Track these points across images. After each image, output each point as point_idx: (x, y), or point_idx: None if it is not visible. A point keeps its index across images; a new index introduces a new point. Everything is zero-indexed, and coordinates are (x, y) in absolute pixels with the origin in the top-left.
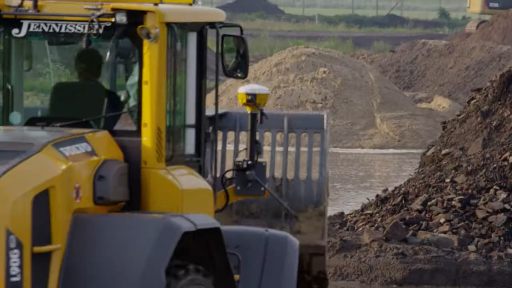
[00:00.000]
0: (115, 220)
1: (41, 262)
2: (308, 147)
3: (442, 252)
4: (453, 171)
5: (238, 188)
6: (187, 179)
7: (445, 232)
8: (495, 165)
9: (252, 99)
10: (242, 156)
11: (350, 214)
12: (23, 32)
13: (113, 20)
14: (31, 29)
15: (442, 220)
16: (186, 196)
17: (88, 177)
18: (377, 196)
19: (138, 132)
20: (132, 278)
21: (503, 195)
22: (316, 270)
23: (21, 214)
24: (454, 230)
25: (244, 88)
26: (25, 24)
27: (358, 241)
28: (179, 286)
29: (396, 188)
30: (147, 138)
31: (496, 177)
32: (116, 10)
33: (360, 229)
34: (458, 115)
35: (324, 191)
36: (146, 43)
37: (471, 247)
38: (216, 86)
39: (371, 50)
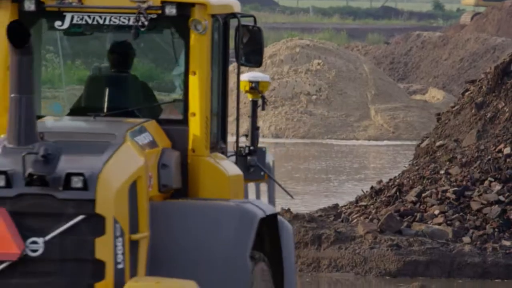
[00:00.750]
0: (194, 207)
1: (134, 249)
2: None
3: (436, 244)
4: (447, 162)
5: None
6: (228, 165)
7: (439, 224)
8: (489, 157)
9: (255, 87)
10: (244, 142)
11: (345, 205)
12: (66, 24)
13: (160, 12)
14: (74, 21)
15: (436, 212)
16: (231, 182)
17: (154, 165)
18: (372, 187)
19: (184, 121)
20: (218, 262)
21: (497, 186)
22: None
23: (122, 203)
24: (448, 222)
25: (246, 76)
26: (68, 16)
27: (353, 233)
28: (255, 272)
29: (390, 179)
30: (196, 127)
31: (490, 169)
32: (165, 3)
33: (355, 220)
34: (453, 107)
35: None
36: (194, 35)
37: (466, 239)
38: (238, 74)
39: (366, 42)
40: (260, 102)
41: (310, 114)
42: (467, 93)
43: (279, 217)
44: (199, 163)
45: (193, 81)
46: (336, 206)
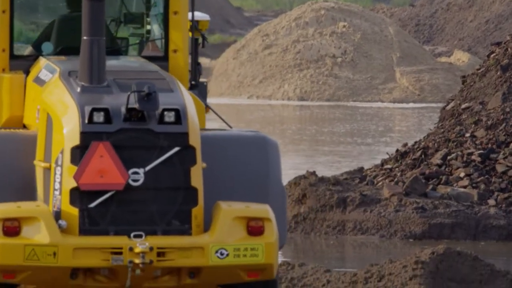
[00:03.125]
0: (227, 137)
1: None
2: None
3: (461, 207)
4: (472, 125)
5: None
6: (197, 98)
7: (465, 187)
8: None
9: (195, 25)
10: None
11: (370, 169)
12: None
13: None
14: None
15: (462, 175)
16: (204, 112)
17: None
18: (397, 150)
19: (165, 58)
20: (263, 186)
21: None
22: None
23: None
24: (473, 185)
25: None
26: None
27: (378, 196)
28: None
29: (415, 142)
30: (177, 63)
31: None
32: None
33: (380, 183)
34: (478, 69)
35: None
36: None
37: (491, 201)
38: (192, 14)
39: (391, 4)
40: (200, 40)
41: (335, 77)
42: (492, 55)
43: (265, 135)
44: None
45: (176, 20)
46: (361, 169)
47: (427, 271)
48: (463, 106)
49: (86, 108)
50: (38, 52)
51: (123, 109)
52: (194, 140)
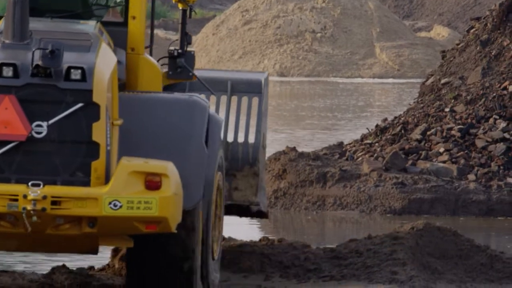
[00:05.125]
0: (155, 98)
1: (113, 134)
2: (247, 111)
3: (441, 182)
4: (452, 100)
5: (170, 73)
6: (154, 61)
7: (444, 162)
8: (494, 94)
9: None
10: (174, 46)
11: (350, 144)
12: None
13: None
14: None
15: (441, 150)
16: (162, 76)
17: (117, 63)
18: (377, 125)
19: (124, 24)
20: (179, 145)
21: (502, 124)
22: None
23: (108, 93)
24: (453, 160)
25: None
26: None
27: (358, 171)
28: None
29: (395, 117)
30: (136, 29)
31: (495, 106)
32: None
33: (360, 159)
34: (458, 44)
35: (258, 154)
36: None
37: (471, 177)
38: None
39: None
40: (188, 11)
41: (315, 52)
42: (472, 30)
43: (211, 111)
44: (138, 60)
45: None
46: (341, 144)
47: (407, 246)
48: (442, 81)
49: None
50: None
51: (31, 66)
52: (99, 97)
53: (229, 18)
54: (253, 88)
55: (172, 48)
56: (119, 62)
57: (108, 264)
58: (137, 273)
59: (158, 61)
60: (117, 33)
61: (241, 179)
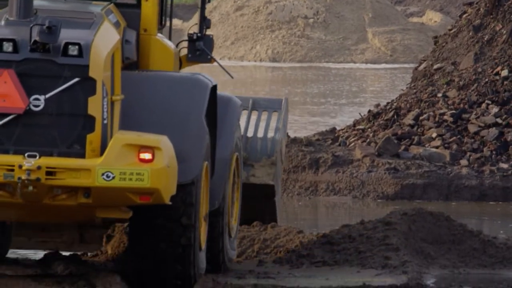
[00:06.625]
0: (159, 76)
1: (112, 108)
2: (266, 120)
3: (434, 167)
4: (445, 85)
5: (189, 56)
6: (169, 43)
7: (437, 147)
8: (487, 80)
9: None
10: (194, 30)
11: (342, 129)
12: None
13: None
14: None
15: (434, 135)
16: (175, 56)
17: (120, 41)
18: (369, 111)
19: (137, 5)
20: (179, 121)
21: (495, 109)
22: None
23: (107, 69)
24: (446, 145)
25: None
26: None
27: (350, 157)
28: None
29: (388, 103)
30: (149, 10)
31: (488, 92)
32: None
33: (352, 144)
34: (450, 30)
35: (278, 146)
36: None
37: (463, 162)
38: None
39: None
40: None
41: (308, 38)
42: (464, 16)
43: (227, 94)
44: (150, 41)
45: None
46: (333, 129)
47: (399, 231)
48: (435, 66)
49: None
50: None
51: (30, 41)
52: (96, 72)
53: (221, 4)
54: (274, 105)
55: (191, 32)
56: (127, 41)
57: (101, 250)
58: (136, 246)
59: (177, 44)
60: (131, 14)
61: (259, 168)
